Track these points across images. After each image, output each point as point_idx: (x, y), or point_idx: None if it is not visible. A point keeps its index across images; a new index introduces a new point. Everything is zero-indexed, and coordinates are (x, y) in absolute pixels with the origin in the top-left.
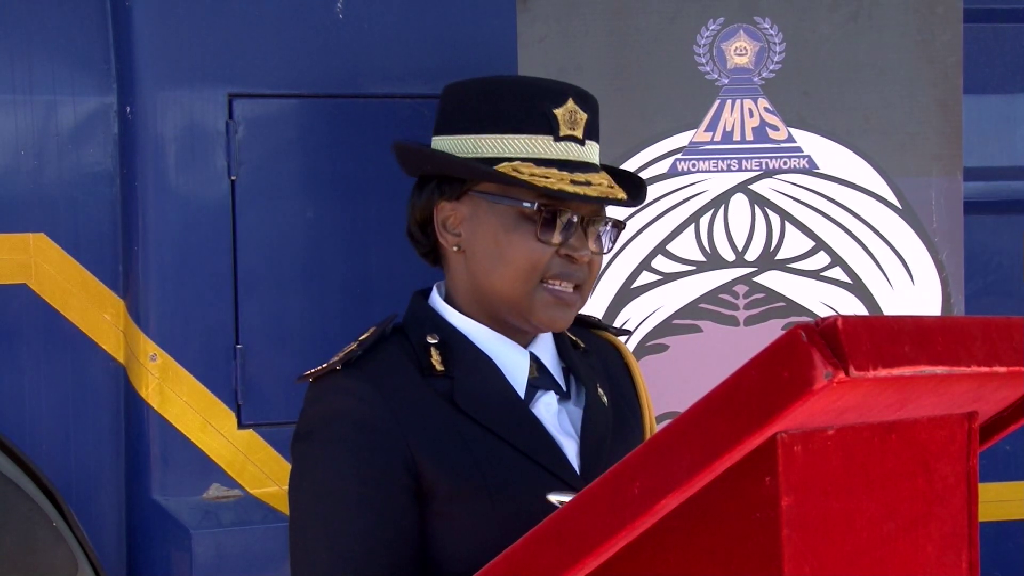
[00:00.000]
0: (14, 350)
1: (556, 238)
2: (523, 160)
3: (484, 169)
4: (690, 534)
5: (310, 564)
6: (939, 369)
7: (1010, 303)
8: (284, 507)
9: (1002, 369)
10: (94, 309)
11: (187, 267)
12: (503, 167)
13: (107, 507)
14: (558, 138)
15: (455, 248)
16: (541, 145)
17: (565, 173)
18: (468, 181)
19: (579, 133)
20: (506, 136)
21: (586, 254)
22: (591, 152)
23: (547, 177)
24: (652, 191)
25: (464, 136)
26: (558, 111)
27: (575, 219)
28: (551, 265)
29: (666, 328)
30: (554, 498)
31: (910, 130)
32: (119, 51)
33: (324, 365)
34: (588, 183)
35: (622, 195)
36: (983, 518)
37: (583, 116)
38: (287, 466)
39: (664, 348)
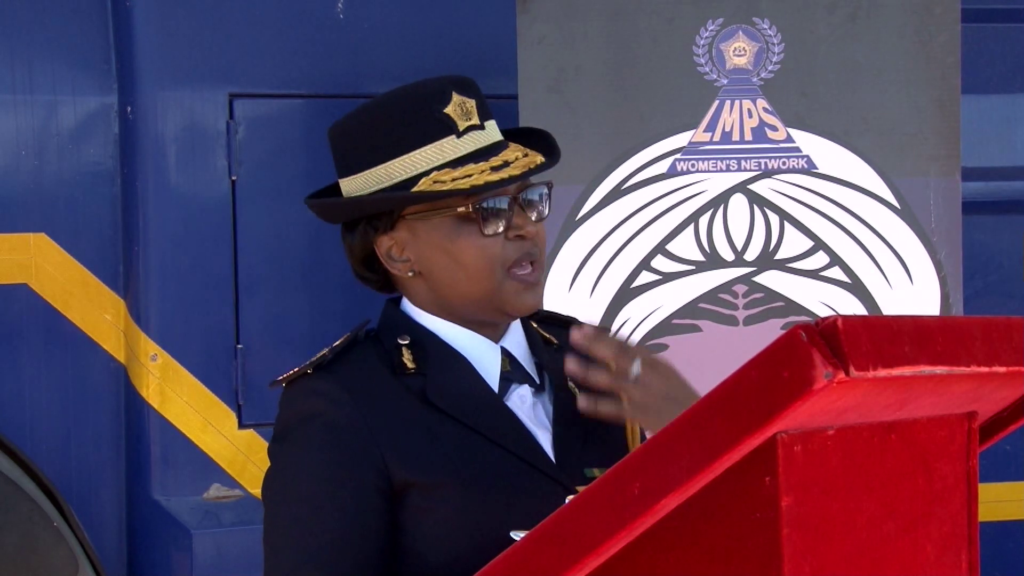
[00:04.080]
0: (15, 350)
1: (500, 226)
2: (438, 168)
3: (407, 195)
4: (690, 534)
5: (279, 562)
6: (939, 369)
7: (1010, 303)
8: None
9: (1002, 369)
10: (95, 309)
11: (188, 267)
12: (423, 183)
13: (108, 507)
14: (460, 134)
15: (410, 273)
16: (448, 148)
17: (482, 163)
18: (396, 209)
19: (476, 120)
20: (412, 153)
21: (532, 228)
22: (493, 131)
23: (468, 175)
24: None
25: (372, 170)
26: (448, 109)
27: (509, 201)
28: (507, 252)
29: (665, 328)
30: (517, 535)
31: (908, 130)
32: (120, 51)
33: (295, 369)
34: (506, 163)
35: (540, 158)
36: (983, 518)
37: (471, 103)
38: None
39: (663, 348)
